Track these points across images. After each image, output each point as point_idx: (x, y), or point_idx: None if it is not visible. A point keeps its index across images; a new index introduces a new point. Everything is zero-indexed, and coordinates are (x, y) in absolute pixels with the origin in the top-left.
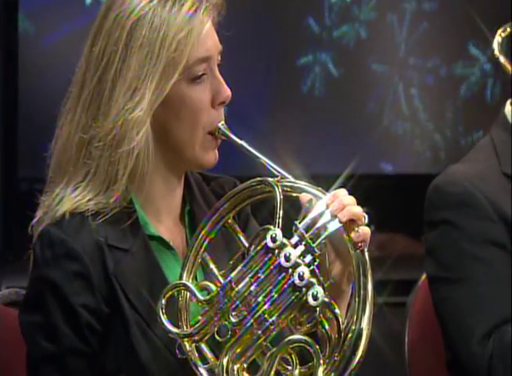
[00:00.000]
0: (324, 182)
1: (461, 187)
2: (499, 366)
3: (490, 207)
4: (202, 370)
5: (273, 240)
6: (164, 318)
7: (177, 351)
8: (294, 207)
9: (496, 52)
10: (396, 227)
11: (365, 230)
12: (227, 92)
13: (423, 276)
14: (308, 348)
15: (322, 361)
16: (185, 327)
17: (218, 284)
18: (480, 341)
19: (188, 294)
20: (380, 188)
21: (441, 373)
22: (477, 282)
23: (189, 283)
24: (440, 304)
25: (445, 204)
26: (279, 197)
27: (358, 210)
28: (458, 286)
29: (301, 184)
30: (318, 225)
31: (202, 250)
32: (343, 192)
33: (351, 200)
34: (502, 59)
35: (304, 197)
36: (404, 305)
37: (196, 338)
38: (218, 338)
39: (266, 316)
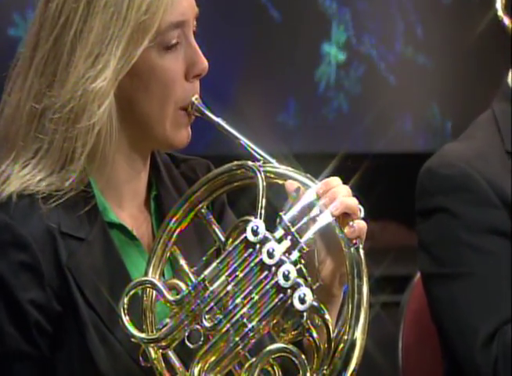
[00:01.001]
0: (307, 163)
1: (457, 169)
2: (505, 371)
3: (491, 191)
4: None
5: (254, 233)
6: (126, 320)
7: (140, 358)
8: (279, 197)
9: (500, 12)
10: (388, 215)
11: (360, 225)
12: (203, 63)
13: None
14: (293, 359)
15: (308, 374)
16: (150, 331)
17: (190, 283)
18: (484, 345)
19: (154, 293)
20: (370, 169)
21: None
22: (477, 277)
23: (156, 281)
24: (436, 303)
25: (440, 189)
26: (261, 184)
27: (353, 202)
28: (456, 282)
29: (287, 170)
30: (306, 217)
31: (171, 243)
32: (336, 181)
33: (346, 190)
34: (506, 21)
35: (290, 185)
36: (398, 304)
37: (163, 343)
38: (188, 344)
39: (245, 320)
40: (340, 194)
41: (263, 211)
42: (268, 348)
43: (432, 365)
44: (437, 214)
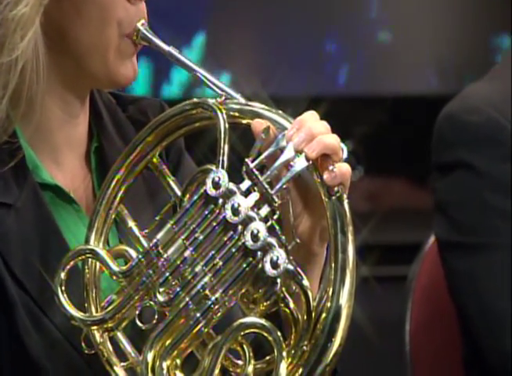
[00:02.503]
0: (286, 107)
1: (484, 115)
2: None
3: None
4: (118, 369)
5: (215, 185)
6: (63, 298)
7: (82, 344)
8: (245, 140)
9: None
10: (393, 170)
11: (343, 169)
12: None
13: (432, 240)
14: (266, 335)
15: (285, 353)
16: (93, 311)
17: (140, 249)
18: None
19: (97, 264)
20: (371, 116)
21: (454, 371)
22: (505, 248)
23: (99, 249)
24: (454, 277)
25: (462, 140)
26: (223, 125)
27: (334, 140)
28: (479, 254)
29: (254, 107)
30: (277, 163)
31: (116, 202)
32: (312, 116)
33: (323, 126)
34: None
35: (257, 125)
36: (404, 279)
37: (110, 325)
38: (140, 324)
39: (207, 292)
40: (316, 131)
41: (225, 159)
42: (236, 323)
43: (446, 351)
44: (458, 170)
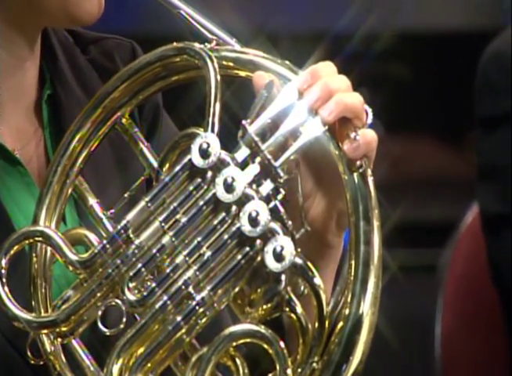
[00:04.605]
0: (293, 47)
1: None
2: None
3: None
4: None
5: (204, 154)
6: (3, 293)
7: (28, 352)
8: (242, 97)
9: None
10: (419, 127)
11: (367, 137)
12: None
13: (470, 217)
14: (266, 346)
15: (290, 371)
16: (42, 310)
17: (105, 233)
18: None
19: (49, 250)
20: (391, 56)
21: None
22: None
23: (51, 231)
24: (505, 263)
25: None
26: (213, 77)
27: (356, 100)
28: None
29: (254, 55)
30: (284, 127)
31: (74, 172)
32: (328, 68)
33: (343, 81)
34: None
35: (259, 79)
36: (433, 268)
37: (64, 329)
38: (103, 329)
39: (191, 290)
40: (334, 88)
41: (216, 121)
42: (228, 331)
43: (486, 360)
44: (509, 124)
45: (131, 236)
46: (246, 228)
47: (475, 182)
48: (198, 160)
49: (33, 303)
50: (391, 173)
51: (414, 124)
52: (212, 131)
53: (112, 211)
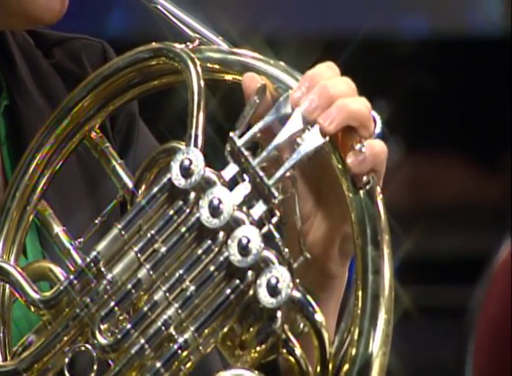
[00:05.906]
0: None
1: None
2: None
3: None
4: None
5: (186, 172)
6: None
7: None
8: (229, 105)
9: None
10: (448, 146)
11: (375, 148)
12: None
13: (506, 250)
14: None
15: None
16: (1, 359)
17: (72, 267)
18: None
19: (8, 288)
20: (412, 65)
21: None
22: None
23: (10, 266)
24: None
25: None
26: (196, 82)
27: (362, 105)
28: None
29: (243, 56)
30: (278, 141)
31: (36, 196)
32: (329, 70)
33: (346, 84)
34: None
35: (249, 83)
36: (463, 310)
37: None
38: None
39: (171, 331)
40: (335, 92)
41: (200, 133)
42: None
43: None
44: None
45: (103, 269)
46: (236, 257)
47: (510, 209)
48: (179, 180)
49: None
50: (411, 197)
51: (440, 141)
52: (195, 145)
53: (80, 240)
